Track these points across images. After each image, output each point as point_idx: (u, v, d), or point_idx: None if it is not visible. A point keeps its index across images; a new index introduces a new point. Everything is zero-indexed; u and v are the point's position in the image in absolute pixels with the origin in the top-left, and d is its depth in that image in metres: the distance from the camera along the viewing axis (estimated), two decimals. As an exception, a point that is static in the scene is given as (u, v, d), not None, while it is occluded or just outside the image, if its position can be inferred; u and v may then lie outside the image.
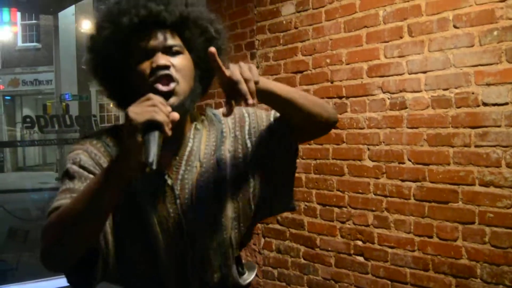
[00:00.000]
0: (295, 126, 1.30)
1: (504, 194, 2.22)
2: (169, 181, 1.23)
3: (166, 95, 1.13)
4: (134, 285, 1.27)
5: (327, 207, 2.99)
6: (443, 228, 2.43)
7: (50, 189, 10.55)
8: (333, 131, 2.93)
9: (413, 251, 2.55)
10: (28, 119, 4.39)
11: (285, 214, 3.25)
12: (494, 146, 2.25)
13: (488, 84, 2.26)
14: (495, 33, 2.23)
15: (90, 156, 1.21)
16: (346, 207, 2.88)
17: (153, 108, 0.99)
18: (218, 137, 1.31)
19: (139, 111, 0.98)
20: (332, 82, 2.95)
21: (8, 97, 17.76)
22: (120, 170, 1.02)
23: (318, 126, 1.32)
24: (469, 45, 2.32)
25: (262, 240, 3.43)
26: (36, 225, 6.03)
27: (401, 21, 2.58)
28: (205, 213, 1.25)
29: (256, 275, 3.43)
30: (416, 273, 2.54)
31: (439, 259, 2.45)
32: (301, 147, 3.12)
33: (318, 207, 3.05)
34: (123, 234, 1.21)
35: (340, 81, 2.90)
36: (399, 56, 2.59)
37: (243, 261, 1.40)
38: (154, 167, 0.95)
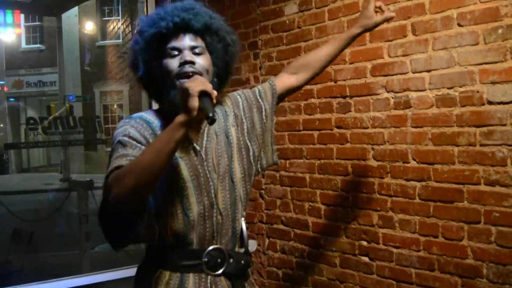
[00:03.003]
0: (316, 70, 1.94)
1: (510, 193, 2.20)
2: (198, 148, 1.59)
3: None
4: (161, 243, 1.56)
5: (332, 207, 2.98)
6: (448, 227, 2.41)
7: (54, 190, 10.56)
8: (337, 130, 2.93)
9: (419, 251, 2.54)
10: (31, 121, 4.39)
11: (289, 215, 3.24)
12: (500, 145, 2.23)
13: (493, 83, 2.24)
14: (500, 31, 2.22)
15: (137, 129, 1.53)
16: (350, 207, 2.87)
17: (204, 83, 1.33)
18: (224, 116, 1.70)
19: (194, 84, 1.32)
20: (335, 82, 2.94)
21: (12, 99, 17.80)
22: (181, 124, 1.32)
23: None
24: (474, 43, 2.30)
25: (267, 240, 3.42)
26: (40, 226, 6.05)
27: (404, 19, 2.57)
28: (223, 174, 1.60)
29: (261, 275, 3.42)
30: (421, 273, 2.53)
31: (444, 259, 2.43)
32: (305, 147, 3.12)
33: (323, 207, 3.04)
34: (162, 193, 1.51)
35: (344, 80, 2.89)
36: (403, 55, 2.58)
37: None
38: (215, 118, 1.32)
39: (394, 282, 2.65)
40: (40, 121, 4.30)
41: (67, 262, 5.01)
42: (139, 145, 1.49)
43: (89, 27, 15.90)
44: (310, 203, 3.11)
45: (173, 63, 1.54)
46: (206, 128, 1.62)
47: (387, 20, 2.00)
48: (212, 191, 1.57)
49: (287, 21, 3.23)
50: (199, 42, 1.57)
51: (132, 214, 1.46)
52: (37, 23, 17.18)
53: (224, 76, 1.67)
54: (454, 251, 2.39)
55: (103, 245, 5.70)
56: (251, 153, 1.71)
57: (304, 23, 3.11)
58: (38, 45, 17.85)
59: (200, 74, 1.51)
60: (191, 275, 1.55)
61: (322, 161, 3.04)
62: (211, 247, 1.57)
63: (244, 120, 1.73)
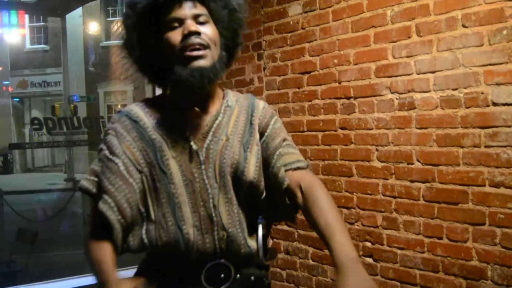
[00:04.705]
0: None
1: (514, 195, 2.20)
2: (194, 147, 1.34)
3: (198, 58, 1.28)
4: (158, 252, 1.36)
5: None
6: (453, 229, 2.41)
7: (59, 190, 10.59)
8: (341, 131, 2.92)
9: (423, 252, 2.53)
10: (36, 121, 4.40)
11: (293, 215, 3.24)
12: (505, 146, 2.23)
13: (498, 84, 2.24)
14: (505, 32, 2.21)
15: (117, 137, 1.35)
16: (354, 208, 2.87)
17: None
18: (248, 120, 1.43)
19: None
20: (339, 83, 2.93)
21: (17, 99, 17.85)
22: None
23: None
24: (478, 44, 2.30)
25: (270, 241, 3.42)
26: (45, 226, 6.07)
27: (409, 20, 2.56)
28: (226, 183, 1.34)
29: (265, 276, 3.42)
30: (425, 275, 2.52)
31: (449, 261, 2.43)
32: (308, 148, 3.12)
33: (327, 208, 3.03)
34: (151, 199, 1.34)
35: (348, 81, 2.88)
36: (407, 56, 2.57)
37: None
38: None
39: (398, 284, 2.65)
40: (45, 122, 4.31)
41: (71, 262, 5.02)
42: (113, 159, 1.33)
43: (93, 27, 15.93)
44: (314, 204, 3.10)
45: (175, 36, 1.31)
46: (215, 125, 1.38)
47: None
48: (211, 201, 1.32)
49: (291, 22, 3.23)
50: (201, 10, 1.34)
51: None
52: (42, 23, 17.24)
53: (233, 48, 1.44)
54: (459, 253, 2.39)
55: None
56: (262, 177, 1.41)
57: (308, 24, 3.11)
58: (42, 46, 17.91)
59: (208, 46, 1.31)
60: None
61: (326, 162, 3.03)
62: (213, 262, 1.34)
63: (264, 149, 1.43)
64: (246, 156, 1.37)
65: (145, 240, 1.34)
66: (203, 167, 1.33)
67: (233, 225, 1.34)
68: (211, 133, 1.36)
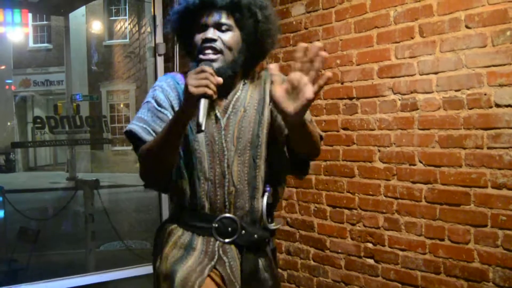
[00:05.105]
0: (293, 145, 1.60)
1: (517, 197, 2.19)
2: (219, 116, 1.62)
3: (209, 61, 1.51)
4: (181, 199, 1.65)
5: (337, 208, 2.97)
6: (454, 230, 2.40)
7: (61, 189, 10.59)
8: (343, 132, 2.92)
9: (424, 253, 2.53)
10: (38, 120, 4.39)
11: (295, 216, 3.24)
12: (507, 148, 2.22)
13: (501, 85, 2.23)
14: (508, 33, 2.20)
15: (164, 92, 1.63)
16: (356, 209, 2.86)
17: (206, 82, 1.36)
18: (262, 92, 1.67)
19: (195, 84, 1.36)
20: (342, 83, 2.93)
21: (19, 97, 17.86)
22: (180, 119, 1.44)
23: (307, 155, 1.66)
24: (482, 45, 2.29)
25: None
26: (46, 225, 6.07)
27: (412, 21, 2.56)
28: (243, 150, 1.61)
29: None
30: (427, 276, 2.52)
31: (450, 262, 2.42)
32: (311, 148, 3.11)
33: (328, 208, 3.03)
34: (182, 153, 1.60)
35: (351, 82, 2.88)
36: (410, 57, 2.57)
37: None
38: (203, 128, 1.37)
39: (400, 285, 2.64)
40: (47, 120, 4.31)
41: (72, 261, 5.02)
42: (161, 111, 1.60)
43: (96, 26, 15.94)
44: (315, 204, 3.10)
45: (198, 39, 1.58)
46: (234, 99, 1.64)
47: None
48: (226, 161, 1.60)
49: (294, 22, 3.22)
50: (226, 19, 1.58)
51: (160, 180, 1.62)
52: (45, 22, 17.25)
53: (258, 52, 1.66)
54: (460, 255, 2.38)
55: (109, 244, 5.73)
56: (281, 138, 1.63)
57: (311, 24, 3.11)
58: (45, 44, 17.92)
59: (220, 51, 1.54)
60: (200, 236, 1.63)
61: (328, 162, 3.03)
62: (223, 215, 1.61)
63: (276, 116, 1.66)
64: (259, 128, 1.62)
65: (178, 184, 1.61)
66: (223, 132, 1.61)
67: (241, 183, 1.60)
68: (231, 105, 1.63)
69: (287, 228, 3.31)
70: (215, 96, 1.39)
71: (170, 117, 1.56)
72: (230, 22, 1.58)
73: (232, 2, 1.57)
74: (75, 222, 6.59)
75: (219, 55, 1.55)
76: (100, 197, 5.17)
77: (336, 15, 2.95)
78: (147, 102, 1.64)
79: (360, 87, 2.83)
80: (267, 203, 1.63)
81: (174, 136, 1.47)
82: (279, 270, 3.36)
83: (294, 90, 1.33)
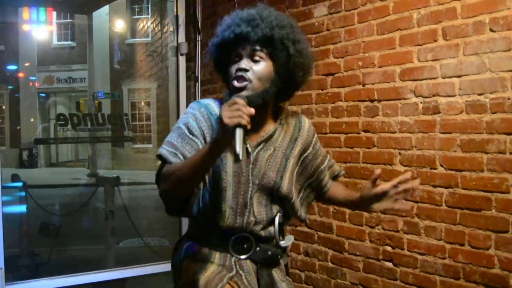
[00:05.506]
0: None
1: (540, 203, 2.16)
2: (250, 149, 1.71)
3: (240, 89, 1.60)
4: (199, 222, 1.76)
5: (356, 211, 2.96)
6: (475, 236, 2.38)
7: (82, 185, 10.72)
8: (364, 134, 2.91)
9: (444, 258, 2.51)
10: (61, 117, 4.45)
11: (314, 217, 3.23)
12: (530, 153, 2.19)
13: (525, 90, 2.20)
14: (534, 37, 2.17)
15: (197, 121, 1.70)
16: (375, 212, 2.85)
17: (239, 113, 1.42)
18: (293, 137, 1.80)
19: (229, 116, 1.42)
20: (364, 85, 2.92)
21: (43, 94, 18.13)
22: (214, 150, 1.49)
23: None
24: (506, 49, 2.26)
25: (292, 238, 3.41)
26: (68, 220, 6.15)
27: (435, 24, 2.54)
28: (265, 186, 1.71)
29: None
30: (446, 281, 2.50)
31: (470, 268, 2.40)
32: (331, 150, 3.11)
33: (347, 210, 3.02)
34: (208, 177, 1.69)
35: (372, 84, 2.87)
36: (433, 60, 2.55)
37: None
38: (240, 158, 1.43)
39: (418, 289, 2.62)
40: (70, 118, 4.37)
41: (92, 257, 5.08)
42: (192, 138, 1.67)
43: (119, 25, 16.07)
44: (334, 206, 3.09)
45: (233, 68, 1.66)
46: (267, 136, 1.74)
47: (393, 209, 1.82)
48: (249, 193, 1.70)
49: (316, 23, 3.22)
50: (258, 51, 1.65)
51: (178, 200, 1.72)
52: (69, 20, 17.47)
53: (289, 85, 1.73)
54: (481, 260, 2.36)
55: (128, 241, 5.78)
56: (301, 195, 1.88)
57: (333, 26, 3.10)
58: (69, 42, 18.15)
59: (250, 81, 1.61)
60: (218, 252, 1.72)
61: (348, 164, 3.02)
62: (239, 234, 1.71)
63: (307, 164, 1.87)
64: (284, 170, 1.75)
65: (200, 205, 1.70)
66: (251, 166, 1.70)
67: (260, 214, 1.71)
68: (263, 143, 1.73)
69: (305, 229, 3.31)
70: (249, 126, 1.44)
71: (201, 146, 1.65)
72: (263, 54, 1.65)
73: (265, 37, 1.63)
74: (95, 218, 6.66)
75: (247, 83, 1.61)
76: (121, 194, 5.22)
77: (359, 17, 2.94)
78: (178, 127, 1.71)
79: (381, 90, 2.82)
80: (279, 223, 1.75)
81: (205, 163, 1.53)
82: (297, 271, 3.36)
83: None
